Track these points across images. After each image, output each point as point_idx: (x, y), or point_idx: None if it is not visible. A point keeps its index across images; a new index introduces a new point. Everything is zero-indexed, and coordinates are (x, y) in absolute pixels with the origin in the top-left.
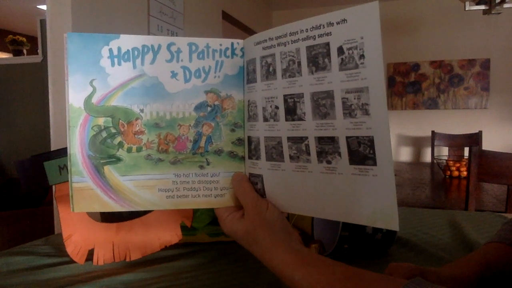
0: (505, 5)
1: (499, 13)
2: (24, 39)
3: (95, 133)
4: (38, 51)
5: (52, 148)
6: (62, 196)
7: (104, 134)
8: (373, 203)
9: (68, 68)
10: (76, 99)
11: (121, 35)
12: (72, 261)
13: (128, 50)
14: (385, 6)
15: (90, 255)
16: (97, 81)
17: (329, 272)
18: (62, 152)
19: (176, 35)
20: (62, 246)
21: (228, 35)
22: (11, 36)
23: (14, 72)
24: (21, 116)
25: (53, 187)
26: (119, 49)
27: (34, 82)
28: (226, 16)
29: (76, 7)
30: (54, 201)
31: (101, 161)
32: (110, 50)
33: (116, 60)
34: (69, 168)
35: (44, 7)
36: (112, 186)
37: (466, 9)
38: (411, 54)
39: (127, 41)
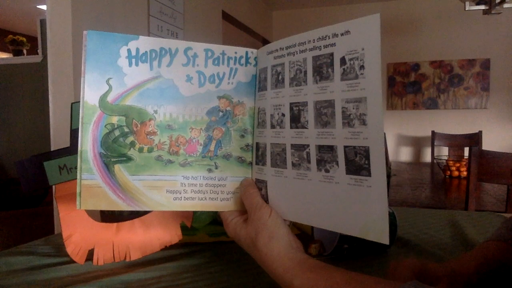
0: (505, 5)
1: (499, 13)
2: (24, 39)
3: (108, 131)
4: (38, 51)
5: (52, 148)
6: (62, 196)
7: (117, 132)
8: (366, 214)
9: (86, 66)
10: (91, 96)
11: (140, 37)
12: (72, 261)
13: (146, 51)
14: (385, 6)
15: (90, 255)
16: (114, 80)
17: (328, 277)
18: (62, 152)
19: (176, 35)
20: (62, 246)
21: (228, 35)
22: (11, 36)
23: (14, 72)
24: (21, 116)
25: (53, 187)
26: (137, 50)
27: (34, 82)
28: (226, 16)
29: (76, 7)
30: (54, 201)
31: (112, 160)
32: (129, 51)
33: (133, 60)
34: (78, 165)
35: (44, 7)
36: (121, 185)
37: (466, 9)
38: (411, 54)
39: (145, 43)
